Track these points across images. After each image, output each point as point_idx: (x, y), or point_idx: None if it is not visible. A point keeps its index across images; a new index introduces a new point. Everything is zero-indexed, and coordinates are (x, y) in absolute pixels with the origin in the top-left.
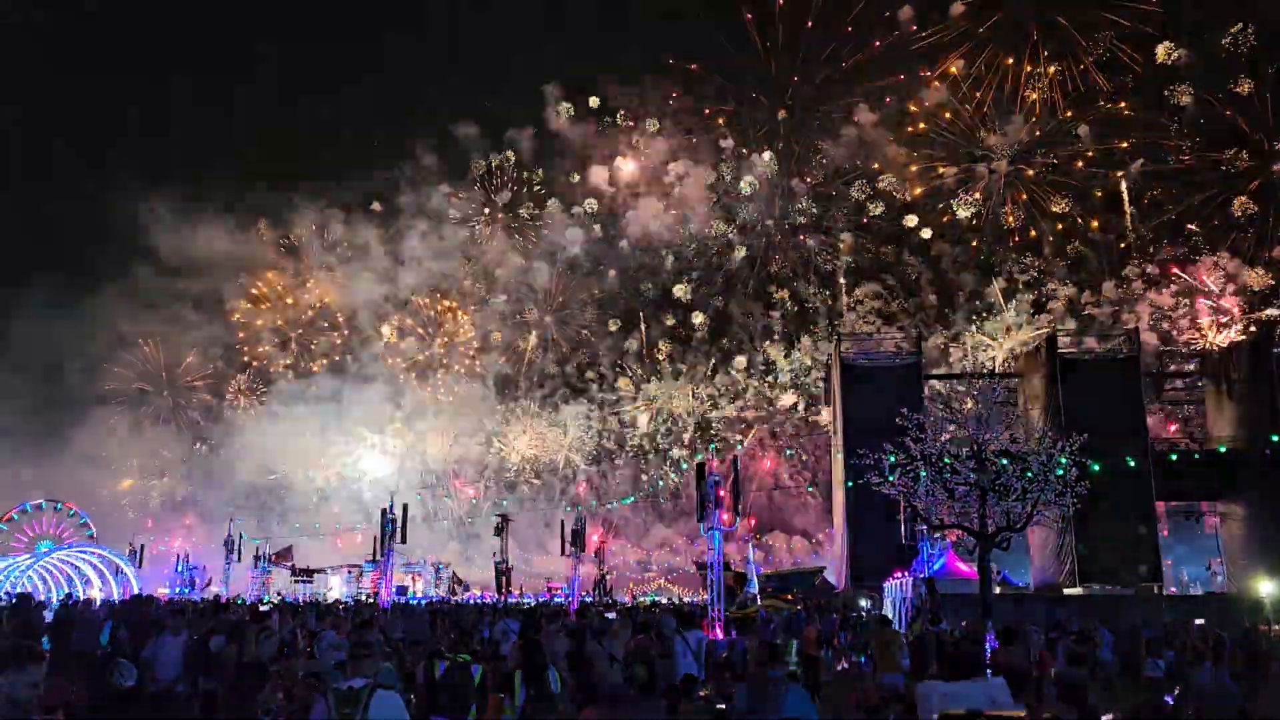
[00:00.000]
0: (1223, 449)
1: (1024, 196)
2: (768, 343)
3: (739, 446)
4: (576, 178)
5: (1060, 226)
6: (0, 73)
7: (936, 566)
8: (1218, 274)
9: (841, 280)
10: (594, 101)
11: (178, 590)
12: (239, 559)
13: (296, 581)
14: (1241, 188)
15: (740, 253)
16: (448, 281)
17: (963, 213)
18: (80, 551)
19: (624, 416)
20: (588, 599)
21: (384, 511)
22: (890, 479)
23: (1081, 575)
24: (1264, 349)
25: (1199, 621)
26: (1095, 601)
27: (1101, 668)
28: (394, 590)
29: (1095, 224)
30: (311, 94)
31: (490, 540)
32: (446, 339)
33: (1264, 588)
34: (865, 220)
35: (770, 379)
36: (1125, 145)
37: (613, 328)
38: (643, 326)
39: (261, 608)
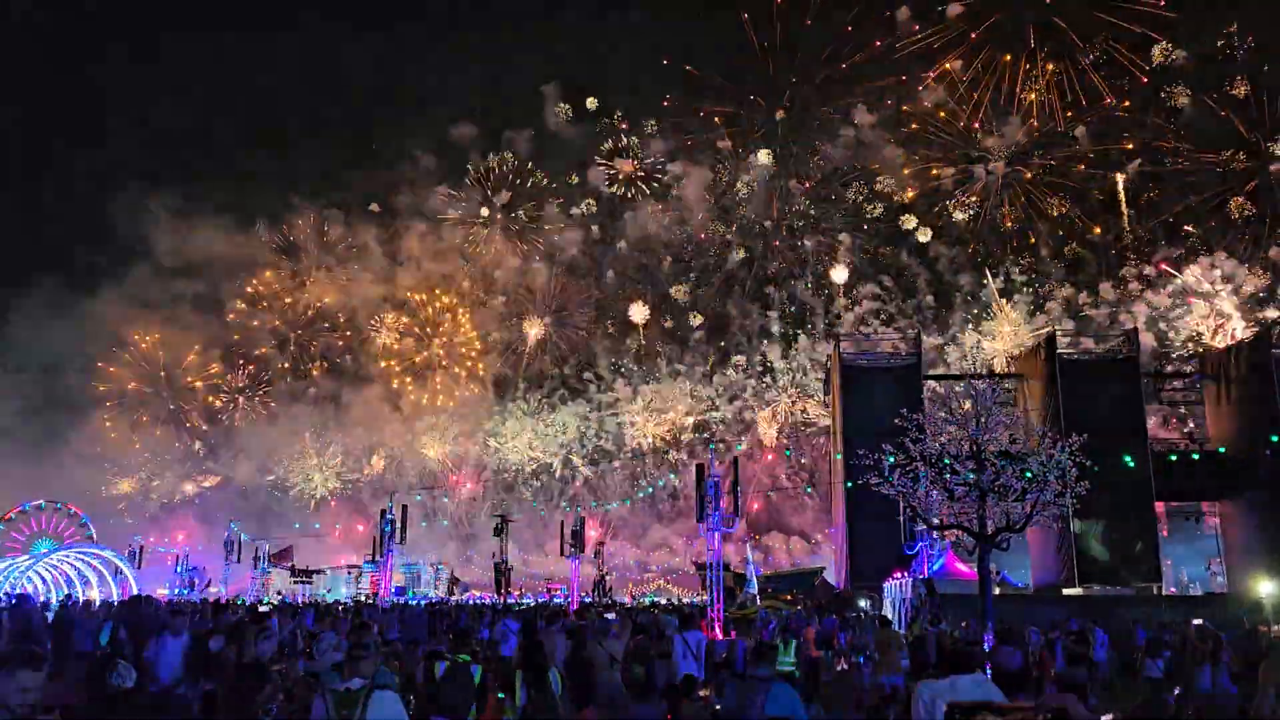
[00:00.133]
0: (1222, 449)
1: (1022, 201)
2: (765, 343)
3: (738, 447)
4: (575, 179)
5: (1058, 228)
6: (0, 73)
7: (936, 567)
8: (1215, 275)
9: (839, 281)
10: (592, 103)
11: (177, 591)
12: (238, 560)
13: (296, 582)
14: (1238, 189)
15: (738, 254)
16: (446, 282)
17: (959, 215)
18: (80, 552)
19: (622, 417)
20: (587, 600)
21: (383, 512)
22: (890, 480)
23: (1081, 576)
24: (1262, 349)
25: (1197, 622)
26: (1095, 602)
27: (1096, 668)
28: (392, 591)
29: (1098, 230)
30: (310, 94)
31: (488, 541)
32: (445, 340)
33: (1264, 588)
34: (864, 223)
35: (768, 379)
36: (1123, 146)
37: (610, 329)
38: (641, 327)
39: (261, 608)
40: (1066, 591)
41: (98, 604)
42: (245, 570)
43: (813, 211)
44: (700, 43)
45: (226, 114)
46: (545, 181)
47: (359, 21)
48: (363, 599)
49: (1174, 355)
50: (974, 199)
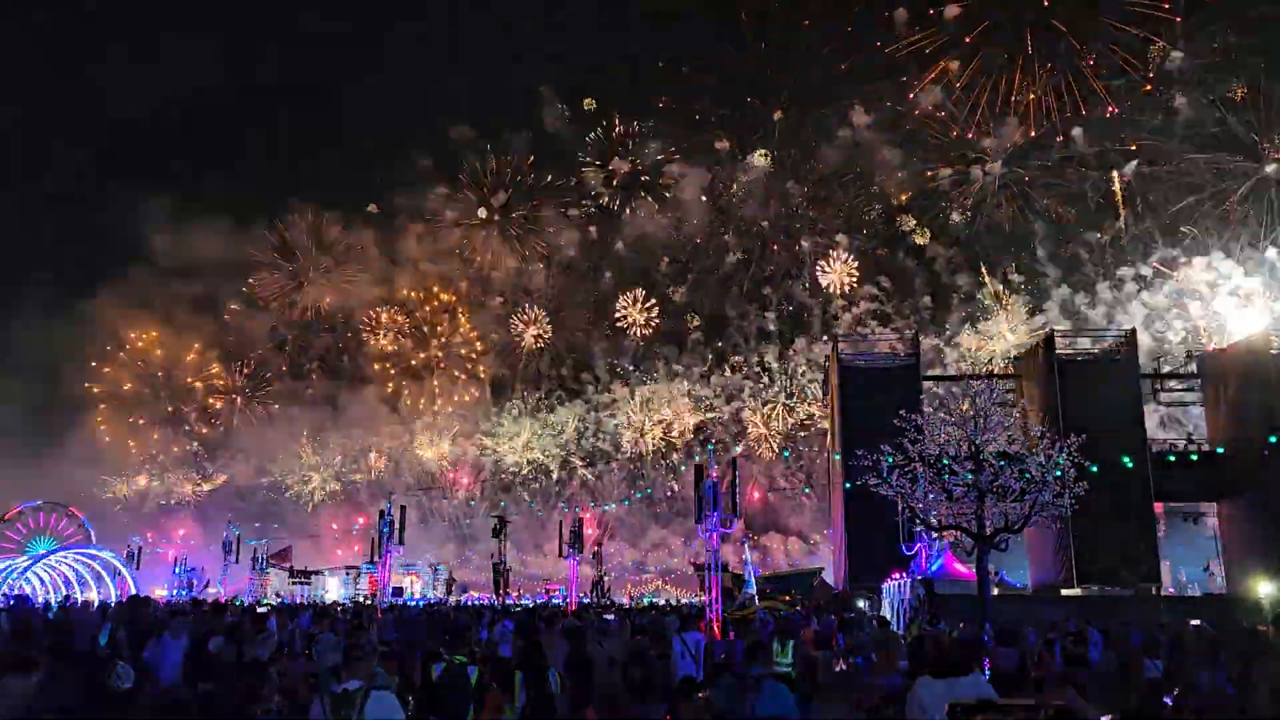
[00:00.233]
0: (1221, 450)
1: (1019, 205)
2: (763, 344)
3: (736, 448)
4: (573, 180)
5: (1055, 228)
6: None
7: (934, 567)
8: (1211, 275)
9: (829, 282)
10: (589, 104)
11: (176, 592)
12: (236, 560)
13: (294, 583)
14: (1235, 190)
15: (735, 254)
16: (444, 283)
17: (956, 216)
18: (78, 553)
19: (619, 418)
20: (585, 600)
21: (382, 513)
22: (888, 480)
23: (1079, 576)
24: (1260, 349)
25: (1195, 622)
26: (1093, 603)
27: (1090, 668)
28: (390, 592)
29: (1102, 234)
30: (309, 95)
31: (487, 542)
32: (442, 340)
33: (1262, 589)
34: (861, 225)
35: (766, 380)
36: (1119, 147)
37: (608, 330)
38: (639, 329)
39: (259, 609)
40: (1065, 592)
41: (96, 605)
42: (244, 571)
43: (810, 213)
44: (698, 44)
45: (225, 114)
46: (546, 179)
47: (358, 22)
48: (361, 600)
49: (1171, 355)
50: (969, 204)
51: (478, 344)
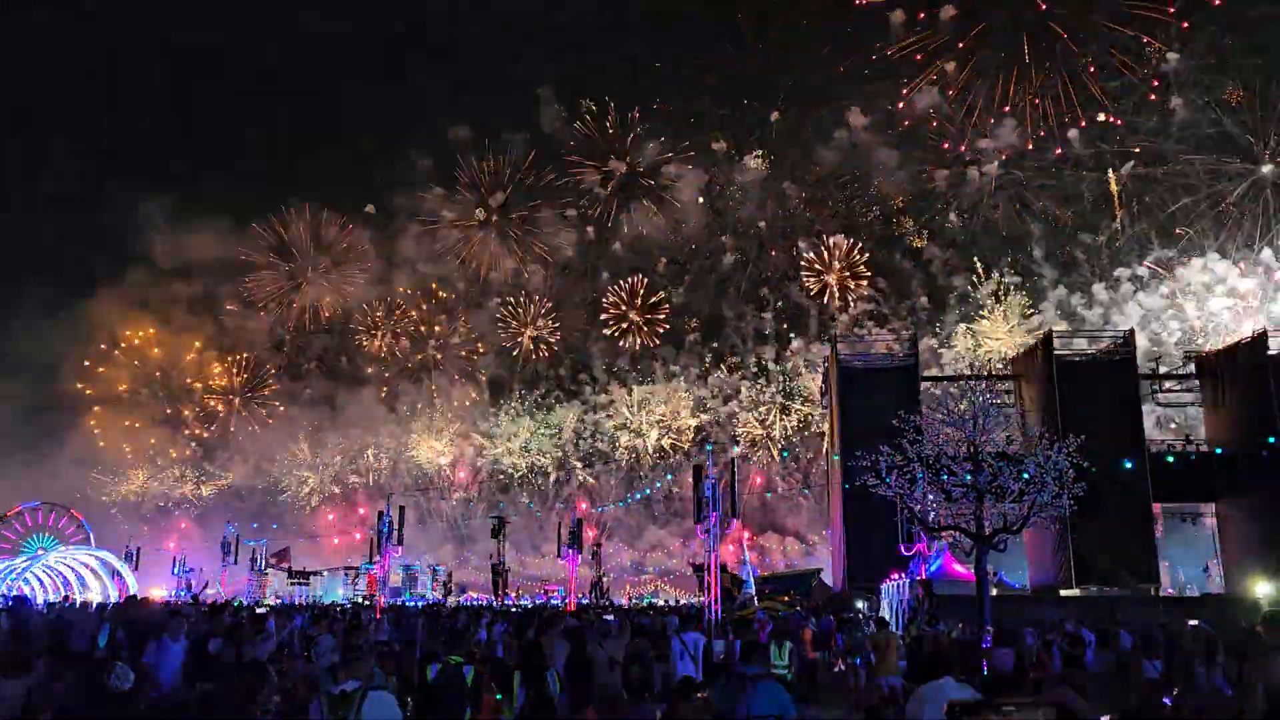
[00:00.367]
0: (1219, 450)
1: (1015, 206)
2: (761, 345)
3: (734, 448)
4: (570, 181)
5: (1051, 229)
6: None
7: (933, 568)
8: (1208, 276)
9: (833, 283)
10: (588, 105)
11: (176, 593)
12: (235, 561)
13: (293, 583)
14: (1231, 191)
15: (732, 255)
16: (442, 284)
17: (953, 217)
18: (77, 554)
19: (617, 419)
20: (585, 601)
21: (380, 514)
22: (887, 481)
23: (1078, 577)
24: (1259, 350)
25: (1193, 623)
26: (1092, 603)
27: (1085, 669)
28: (387, 593)
29: (1102, 239)
30: (309, 95)
31: (485, 543)
32: (440, 341)
33: (1260, 589)
34: (857, 224)
35: (763, 380)
36: (1116, 149)
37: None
38: (637, 330)
39: (259, 610)
40: (1064, 593)
41: (94, 605)
42: (242, 571)
43: (807, 214)
44: (698, 44)
45: (223, 115)
46: (545, 180)
47: (358, 22)
48: (359, 600)
49: (1168, 356)
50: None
51: (479, 346)
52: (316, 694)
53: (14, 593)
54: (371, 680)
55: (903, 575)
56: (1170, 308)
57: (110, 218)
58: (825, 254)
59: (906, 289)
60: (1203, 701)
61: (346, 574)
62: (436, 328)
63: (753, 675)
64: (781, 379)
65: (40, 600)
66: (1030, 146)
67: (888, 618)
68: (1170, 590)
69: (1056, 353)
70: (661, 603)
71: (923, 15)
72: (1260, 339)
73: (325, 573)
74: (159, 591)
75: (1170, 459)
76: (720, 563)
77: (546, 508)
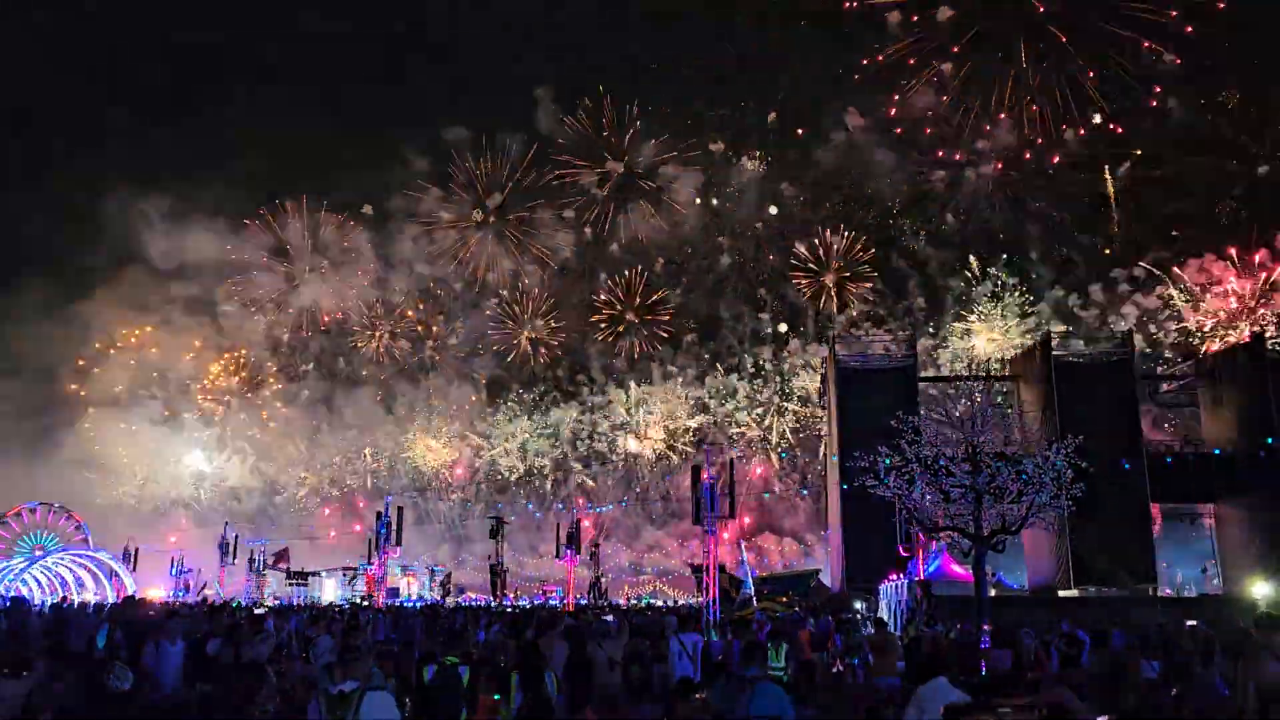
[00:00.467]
0: (1217, 451)
1: (1013, 210)
2: (759, 346)
3: (733, 449)
4: (568, 181)
5: (1048, 230)
6: None
7: (931, 569)
8: (1205, 277)
9: (830, 284)
10: (586, 104)
11: (175, 593)
12: (233, 561)
13: (291, 584)
14: (1228, 192)
15: (730, 256)
16: (439, 285)
17: (950, 218)
18: (75, 555)
19: (615, 419)
20: (583, 601)
21: (379, 514)
22: (885, 482)
23: (1076, 578)
24: (1257, 351)
25: (1191, 623)
26: (1090, 604)
27: (1080, 669)
28: (385, 593)
29: (1105, 243)
30: (305, 96)
31: (482, 543)
32: (438, 342)
33: (1258, 589)
34: (854, 225)
35: (760, 381)
36: (1114, 150)
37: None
38: (635, 331)
39: (257, 610)
40: (1062, 593)
41: (92, 606)
42: (241, 572)
43: (806, 214)
44: (698, 45)
45: (221, 115)
46: (543, 181)
47: (358, 22)
48: (358, 601)
49: (1165, 357)
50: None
51: (480, 347)
52: (315, 694)
53: (11, 594)
54: (370, 681)
55: (901, 576)
56: (1166, 309)
57: (106, 218)
58: (822, 254)
59: (903, 290)
60: (1200, 702)
61: (344, 574)
62: (434, 328)
63: (751, 677)
64: (779, 380)
65: (38, 601)
66: (1028, 155)
67: (886, 618)
68: (1168, 591)
69: (1055, 354)
70: (660, 603)
71: (915, 18)
72: (1258, 339)
73: (324, 573)
74: (157, 592)
75: (1168, 460)
76: (719, 563)
77: (545, 508)
